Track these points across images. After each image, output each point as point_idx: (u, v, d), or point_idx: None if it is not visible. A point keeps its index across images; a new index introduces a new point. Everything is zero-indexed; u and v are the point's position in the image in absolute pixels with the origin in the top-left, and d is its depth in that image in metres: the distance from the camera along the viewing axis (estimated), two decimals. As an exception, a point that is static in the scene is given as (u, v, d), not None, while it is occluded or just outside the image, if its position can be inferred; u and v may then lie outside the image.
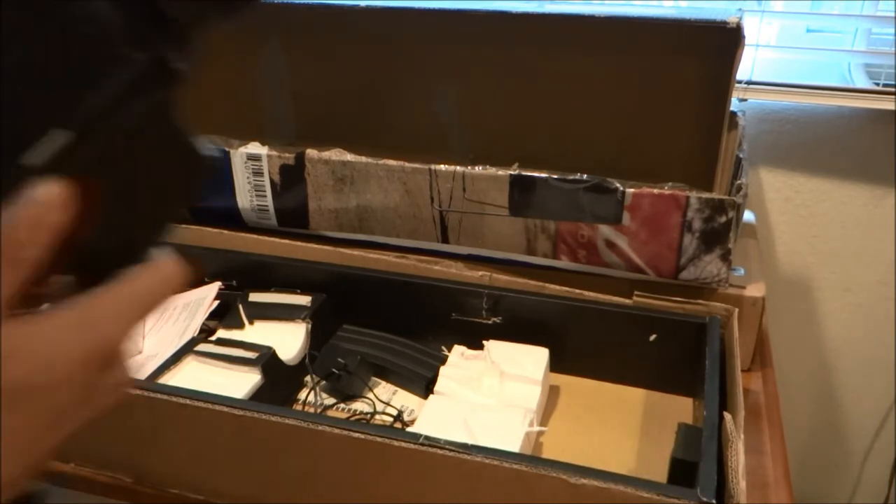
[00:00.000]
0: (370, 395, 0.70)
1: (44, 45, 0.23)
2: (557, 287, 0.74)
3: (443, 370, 0.68)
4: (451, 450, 0.51)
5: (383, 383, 0.73)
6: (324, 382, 0.71)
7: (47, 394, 0.25)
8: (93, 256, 0.27)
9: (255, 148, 0.83)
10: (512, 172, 0.74)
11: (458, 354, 0.71)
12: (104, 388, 0.27)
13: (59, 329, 0.25)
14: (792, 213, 1.05)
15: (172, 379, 0.66)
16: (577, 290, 0.73)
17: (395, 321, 0.75)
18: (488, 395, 0.66)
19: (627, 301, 0.72)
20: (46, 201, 0.24)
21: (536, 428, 0.63)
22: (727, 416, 0.54)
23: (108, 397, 0.28)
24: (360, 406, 0.70)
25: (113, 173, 0.26)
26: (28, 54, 0.23)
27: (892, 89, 0.93)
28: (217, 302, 0.78)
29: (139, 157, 0.27)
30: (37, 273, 0.25)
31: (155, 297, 0.29)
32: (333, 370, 0.70)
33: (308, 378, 0.72)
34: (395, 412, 0.68)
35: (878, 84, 0.97)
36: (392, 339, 0.74)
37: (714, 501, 0.46)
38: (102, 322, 0.26)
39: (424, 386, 0.70)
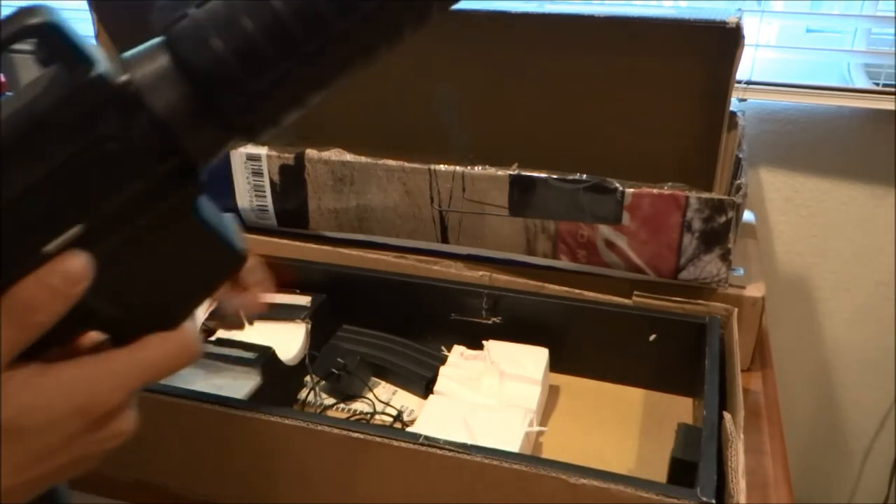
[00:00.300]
0: (370, 395, 0.70)
1: (77, 157, 0.26)
2: (557, 287, 0.74)
3: (443, 370, 0.68)
4: (451, 450, 0.51)
5: (383, 383, 0.73)
6: (324, 382, 0.71)
7: (33, 435, 0.28)
8: (115, 323, 0.30)
9: (254, 148, 0.83)
10: (512, 172, 0.74)
11: (458, 354, 0.71)
12: (97, 438, 0.30)
13: (54, 383, 0.28)
14: (792, 213, 1.05)
15: (172, 379, 0.66)
16: (577, 290, 0.73)
17: (394, 321, 0.75)
18: (488, 395, 0.66)
19: (627, 301, 0.72)
20: (64, 273, 0.27)
21: (536, 428, 0.63)
22: (727, 416, 0.54)
23: (100, 445, 0.30)
24: (360, 406, 0.70)
25: (133, 259, 0.29)
26: (64, 164, 0.26)
27: (892, 89, 0.93)
28: (217, 302, 0.78)
29: (160, 246, 0.30)
30: (53, 336, 0.28)
31: (161, 367, 0.31)
32: (333, 370, 0.70)
33: (308, 378, 0.72)
34: (395, 412, 0.68)
35: (878, 84, 0.97)
36: (392, 339, 0.74)
37: (714, 501, 0.46)
38: (98, 383, 0.29)
39: (424, 386, 0.70)
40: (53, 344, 0.29)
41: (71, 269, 0.27)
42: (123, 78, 0.26)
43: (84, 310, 0.28)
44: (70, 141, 0.26)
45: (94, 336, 0.31)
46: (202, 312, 0.76)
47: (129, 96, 0.26)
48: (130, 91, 0.26)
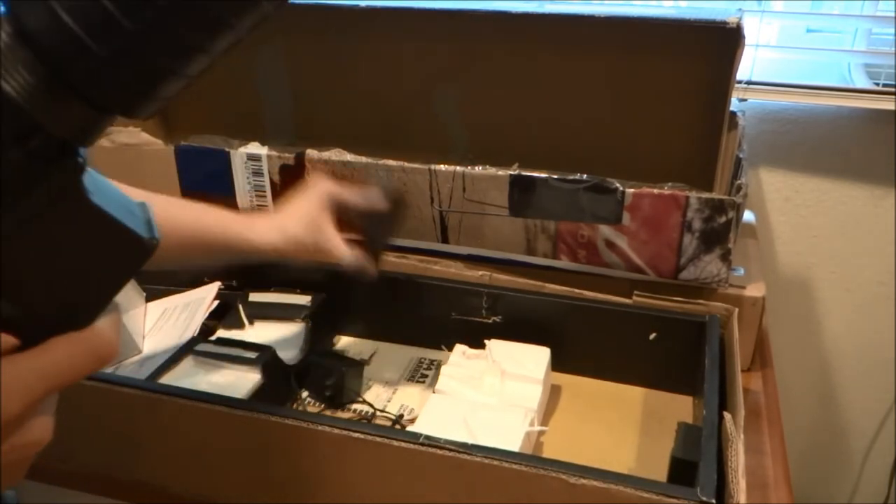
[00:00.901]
0: (368, 395, 0.70)
1: None
2: (557, 287, 0.74)
3: (444, 369, 0.68)
4: (451, 450, 0.51)
5: (382, 384, 0.73)
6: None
7: None
8: (18, 323, 0.27)
9: (255, 148, 0.83)
10: (512, 172, 0.74)
11: (460, 353, 0.70)
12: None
13: None
14: (792, 213, 1.05)
15: (172, 379, 0.66)
16: (577, 290, 0.73)
17: (395, 321, 0.75)
18: (489, 395, 0.66)
19: (627, 301, 0.72)
20: None
21: (537, 428, 0.63)
22: (727, 415, 0.54)
23: (3, 457, 0.27)
24: (360, 406, 0.70)
25: (25, 252, 0.26)
26: None
27: (892, 89, 0.93)
28: (217, 302, 0.78)
29: (52, 236, 0.27)
30: None
31: (67, 371, 0.28)
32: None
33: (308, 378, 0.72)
34: (395, 412, 0.68)
35: (878, 84, 0.97)
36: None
37: (714, 501, 0.46)
38: None
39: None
40: None
41: None
42: None
43: None
44: None
45: (9, 339, 0.28)
46: (202, 313, 0.76)
47: None
48: None
